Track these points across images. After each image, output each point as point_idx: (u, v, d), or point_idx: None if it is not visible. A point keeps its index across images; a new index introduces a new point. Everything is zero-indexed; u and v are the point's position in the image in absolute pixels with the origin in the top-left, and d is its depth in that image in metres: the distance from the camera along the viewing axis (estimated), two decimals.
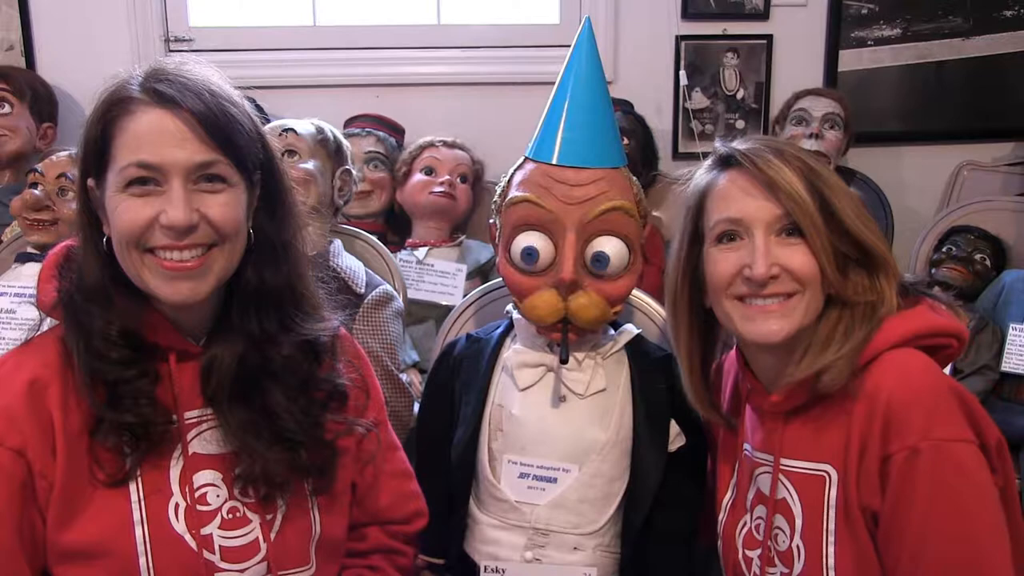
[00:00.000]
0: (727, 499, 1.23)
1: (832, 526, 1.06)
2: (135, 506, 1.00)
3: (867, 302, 1.08)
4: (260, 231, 1.06)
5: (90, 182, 1.01)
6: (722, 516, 1.23)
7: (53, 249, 1.08)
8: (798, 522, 1.09)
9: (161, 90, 0.97)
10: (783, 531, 1.11)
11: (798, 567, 1.09)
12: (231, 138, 0.99)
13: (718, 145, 1.17)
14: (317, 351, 1.11)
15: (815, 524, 1.07)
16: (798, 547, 1.09)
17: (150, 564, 1.00)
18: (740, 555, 1.18)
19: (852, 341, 1.06)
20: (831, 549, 1.05)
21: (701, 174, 1.17)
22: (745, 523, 1.18)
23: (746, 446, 1.19)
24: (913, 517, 0.99)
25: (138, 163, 0.96)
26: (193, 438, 1.05)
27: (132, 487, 1.01)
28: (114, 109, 0.98)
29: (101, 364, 0.99)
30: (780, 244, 1.09)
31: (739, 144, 1.14)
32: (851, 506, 1.04)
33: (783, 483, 1.11)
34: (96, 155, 0.99)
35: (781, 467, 1.12)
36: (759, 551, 1.14)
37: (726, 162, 1.14)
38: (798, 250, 1.08)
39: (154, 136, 0.96)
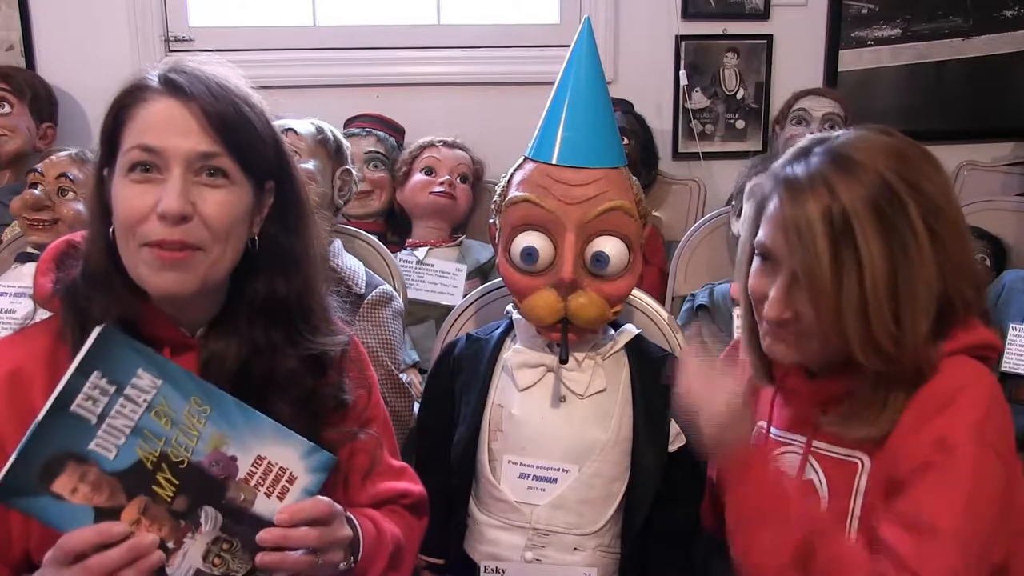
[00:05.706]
0: None
1: (859, 512, 1.06)
2: None
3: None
4: (273, 241, 1.05)
5: (105, 171, 1.01)
6: None
7: (52, 243, 1.07)
8: (823, 504, 1.09)
9: (174, 79, 0.98)
10: None
11: None
12: (237, 134, 0.99)
13: (806, 142, 1.07)
14: (324, 365, 1.09)
15: (841, 508, 1.07)
16: None
17: None
18: None
19: (881, 423, 1.02)
20: (854, 534, 1.06)
21: (779, 168, 1.07)
22: None
23: (773, 430, 1.19)
24: (918, 487, 0.99)
25: (141, 146, 0.96)
26: None
27: None
28: (129, 97, 0.99)
29: None
30: (798, 289, 1.02)
31: (813, 154, 1.04)
32: (881, 493, 1.04)
33: (811, 464, 1.11)
34: (109, 142, 1.00)
35: (812, 449, 1.11)
36: None
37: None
38: (806, 300, 1.02)
39: (161, 123, 0.97)
